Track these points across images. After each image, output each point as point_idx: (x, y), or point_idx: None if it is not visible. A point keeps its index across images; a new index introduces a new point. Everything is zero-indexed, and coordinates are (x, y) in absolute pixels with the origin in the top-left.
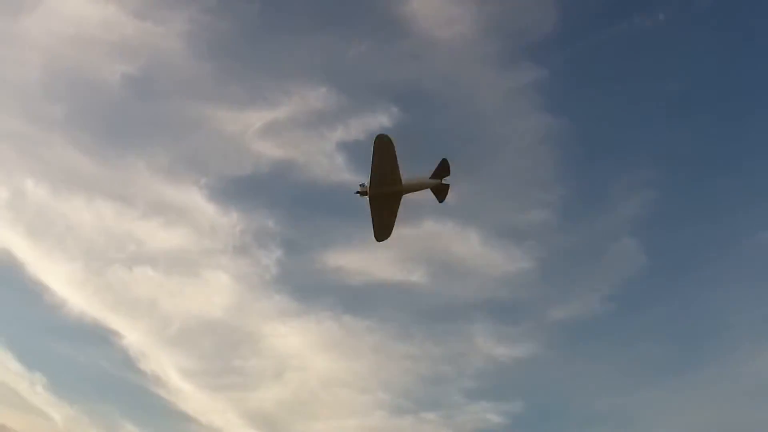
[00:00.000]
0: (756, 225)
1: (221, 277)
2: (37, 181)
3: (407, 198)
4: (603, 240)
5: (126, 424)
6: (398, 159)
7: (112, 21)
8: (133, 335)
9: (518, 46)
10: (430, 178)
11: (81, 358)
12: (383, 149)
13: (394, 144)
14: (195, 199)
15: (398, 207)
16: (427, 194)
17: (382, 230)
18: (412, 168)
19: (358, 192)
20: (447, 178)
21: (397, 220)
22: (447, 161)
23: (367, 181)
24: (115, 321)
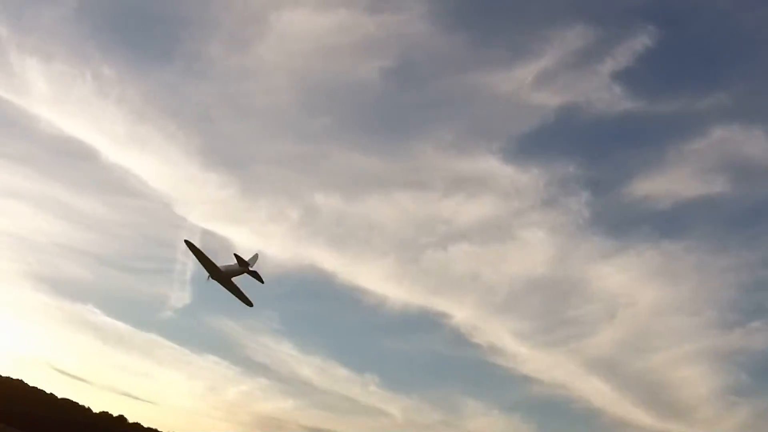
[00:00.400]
0: None
1: (536, 234)
2: (326, 193)
3: None
4: None
5: (468, 401)
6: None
7: (348, 24)
8: (461, 312)
9: None
10: (239, 266)
11: (409, 348)
12: (193, 250)
13: (197, 245)
14: (492, 165)
15: (233, 284)
16: None
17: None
18: None
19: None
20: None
21: None
22: (239, 256)
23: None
24: (440, 303)
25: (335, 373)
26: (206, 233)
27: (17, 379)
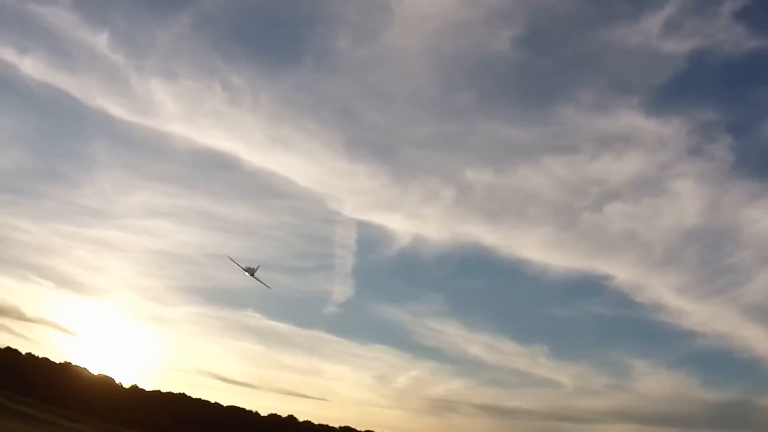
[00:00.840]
0: None
1: (685, 184)
2: (476, 169)
3: None
4: None
5: (635, 362)
6: None
7: None
8: (622, 272)
9: None
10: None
11: (574, 314)
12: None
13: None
14: (634, 120)
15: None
16: None
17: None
18: None
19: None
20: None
21: None
22: (245, 270)
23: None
24: (600, 266)
25: (503, 347)
26: (361, 224)
27: (179, 393)
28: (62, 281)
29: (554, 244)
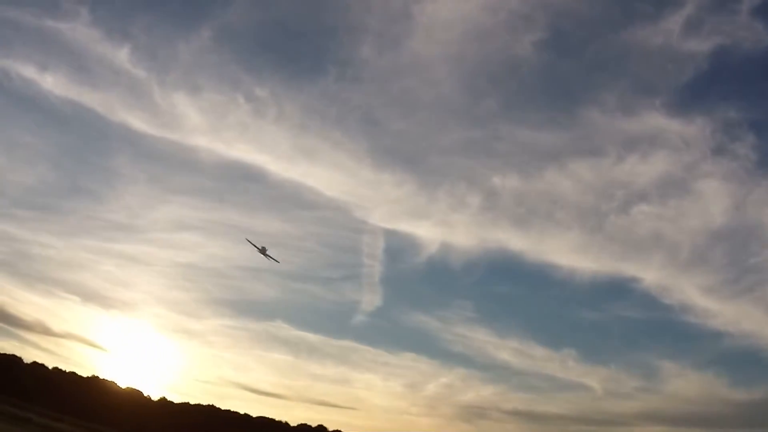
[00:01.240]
0: None
1: (711, 183)
2: (503, 174)
3: None
4: None
5: (663, 364)
6: None
7: (491, 4)
8: (649, 274)
9: None
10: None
11: (603, 317)
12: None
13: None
14: (658, 121)
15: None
16: None
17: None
18: None
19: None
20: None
21: None
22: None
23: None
24: (628, 268)
25: (533, 353)
26: (389, 233)
27: (208, 405)
28: (89, 296)
29: (581, 247)
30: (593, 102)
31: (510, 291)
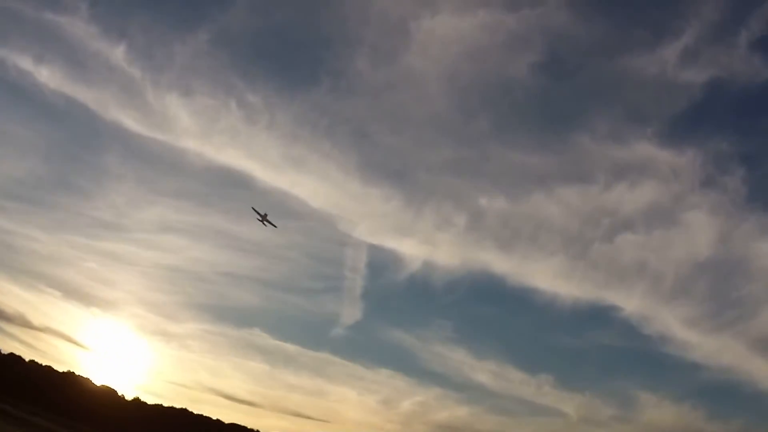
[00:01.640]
0: None
1: (697, 215)
2: (490, 196)
3: None
4: None
5: (640, 394)
6: None
7: (489, 24)
8: (630, 304)
9: None
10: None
11: (581, 344)
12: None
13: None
14: (649, 151)
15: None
16: None
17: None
18: None
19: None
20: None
21: None
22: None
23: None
24: (609, 296)
25: (509, 376)
26: (373, 248)
27: (181, 408)
28: (70, 292)
29: (564, 273)
30: (585, 128)
31: (490, 313)
